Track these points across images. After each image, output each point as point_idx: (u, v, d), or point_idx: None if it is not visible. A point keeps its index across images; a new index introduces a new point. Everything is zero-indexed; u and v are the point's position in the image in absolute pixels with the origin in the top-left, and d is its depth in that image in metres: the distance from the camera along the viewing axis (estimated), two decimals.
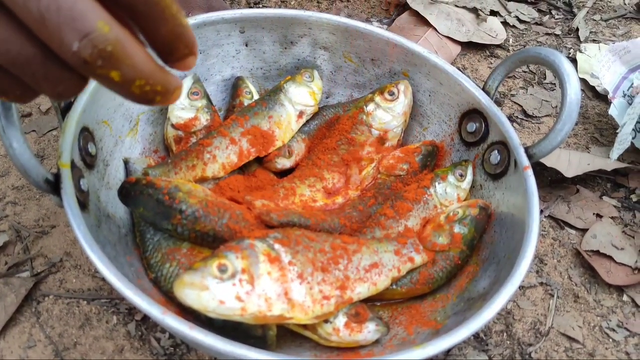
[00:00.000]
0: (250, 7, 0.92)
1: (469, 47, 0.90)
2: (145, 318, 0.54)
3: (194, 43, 0.32)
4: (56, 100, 0.32)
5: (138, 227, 0.54)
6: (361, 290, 0.50)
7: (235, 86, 0.68)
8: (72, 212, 0.43)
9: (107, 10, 0.28)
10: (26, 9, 0.26)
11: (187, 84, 0.63)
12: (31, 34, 0.28)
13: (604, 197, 0.70)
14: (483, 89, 0.61)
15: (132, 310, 0.54)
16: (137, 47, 0.29)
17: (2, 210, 0.60)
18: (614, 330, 0.58)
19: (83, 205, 0.47)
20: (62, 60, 0.28)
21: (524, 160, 0.55)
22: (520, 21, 0.97)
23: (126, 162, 0.58)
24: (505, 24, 0.95)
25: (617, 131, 0.69)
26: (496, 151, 0.59)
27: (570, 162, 0.70)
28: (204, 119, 0.62)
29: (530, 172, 0.54)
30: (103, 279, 0.55)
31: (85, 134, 0.51)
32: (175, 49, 0.31)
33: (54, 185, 0.44)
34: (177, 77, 0.31)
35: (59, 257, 0.57)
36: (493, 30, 0.92)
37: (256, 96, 0.67)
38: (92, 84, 0.51)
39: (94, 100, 0.53)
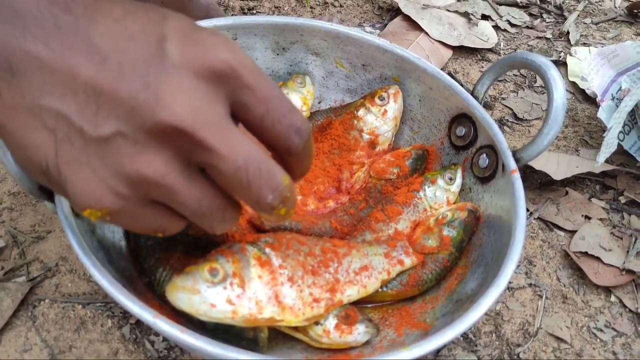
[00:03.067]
0: (244, 14, 0.93)
1: (461, 51, 0.91)
2: (140, 321, 0.55)
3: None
4: (216, 233, 0.39)
5: (132, 232, 0.55)
6: (351, 292, 0.51)
7: None
8: (66, 218, 0.44)
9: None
10: (236, 178, 0.33)
11: None
12: (218, 190, 0.36)
13: (592, 199, 0.71)
14: (472, 94, 0.62)
15: (126, 313, 0.55)
16: (294, 185, 0.37)
17: None
18: (601, 330, 0.59)
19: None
20: (233, 206, 0.37)
21: (512, 164, 0.56)
22: (512, 25, 0.98)
23: None
24: (496, 27, 0.96)
25: (604, 134, 0.70)
26: (485, 155, 0.60)
27: (559, 165, 0.72)
28: None
29: (517, 176, 0.55)
30: (98, 284, 0.56)
31: None
32: (306, 172, 0.40)
33: (48, 192, 0.45)
34: None
35: (54, 262, 0.58)
36: (484, 34, 0.93)
37: None
38: None
39: None
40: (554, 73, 0.54)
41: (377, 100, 0.65)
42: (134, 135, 0.32)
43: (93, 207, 0.33)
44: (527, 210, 0.69)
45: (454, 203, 0.61)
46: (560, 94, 0.54)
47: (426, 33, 0.90)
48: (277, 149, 0.37)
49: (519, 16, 1.00)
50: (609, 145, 0.68)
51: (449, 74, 0.86)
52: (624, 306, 0.61)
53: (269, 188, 0.34)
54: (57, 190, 0.35)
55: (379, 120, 0.65)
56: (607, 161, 0.73)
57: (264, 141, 0.37)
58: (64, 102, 0.32)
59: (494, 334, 0.58)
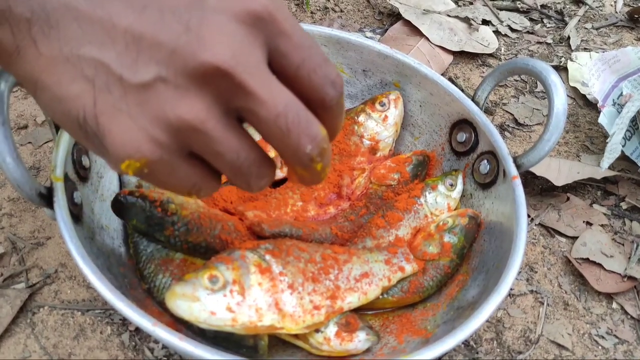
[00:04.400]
0: None
1: (462, 56, 0.91)
2: (139, 329, 0.54)
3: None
4: (252, 192, 0.38)
5: (132, 239, 0.55)
6: (352, 299, 0.50)
7: None
8: (65, 225, 0.44)
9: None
10: (276, 124, 0.32)
11: None
12: (255, 143, 0.35)
13: (594, 205, 0.71)
14: (472, 100, 0.62)
15: (125, 320, 0.55)
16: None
17: None
18: (603, 337, 0.59)
19: (76, 217, 0.48)
20: (268, 161, 0.36)
21: (513, 170, 0.56)
22: (512, 30, 0.98)
23: (120, 174, 0.59)
24: (497, 33, 0.96)
25: (607, 140, 0.70)
26: (485, 161, 0.60)
27: (560, 171, 0.71)
28: None
29: (518, 182, 0.55)
30: (97, 291, 0.55)
31: (79, 147, 0.52)
32: (338, 132, 0.39)
33: (47, 199, 0.45)
34: None
35: (54, 269, 0.58)
36: (485, 40, 0.93)
37: None
38: None
39: None
40: (554, 79, 0.54)
41: (377, 106, 0.65)
42: (175, 79, 0.31)
43: (132, 157, 0.32)
44: (528, 216, 0.68)
45: (455, 209, 0.61)
46: (561, 100, 0.54)
47: (427, 38, 0.90)
48: (312, 101, 0.35)
49: (520, 21, 1.00)
50: (612, 150, 0.68)
51: (450, 79, 0.86)
52: (626, 313, 0.61)
53: (308, 137, 0.33)
54: (95, 144, 0.34)
55: (380, 126, 0.65)
56: (608, 167, 0.72)
57: (299, 93, 0.35)
58: (103, 51, 0.31)
59: (495, 341, 0.57)
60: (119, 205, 0.52)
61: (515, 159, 0.56)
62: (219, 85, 0.32)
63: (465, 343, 0.57)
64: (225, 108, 0.33)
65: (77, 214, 0.48)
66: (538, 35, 0.98)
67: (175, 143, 0.33)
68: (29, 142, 0.70)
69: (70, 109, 0.32)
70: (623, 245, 0.67)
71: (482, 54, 0.92)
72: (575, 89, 0.88)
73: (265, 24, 0.33)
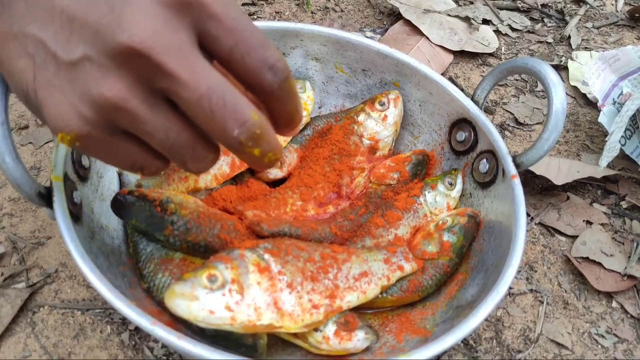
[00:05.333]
0: None
1: (462, 55, 0.91)
2: (139, 328, 0.54)
3: (302, 113, 0.39)
4: (195, 174, 0.38)
5: (131, 238, 0.55)
6: (351, 299, 0.50)
7: None
8: (65, 225, 0.44)
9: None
10: (199, 106, 0.32)
11: None
12: (188, 123, 0.34)
13: (594, 204, 0.71)
14: (472, 99, 0.62)
15: (125, 320, 0.55)
16: (271, 127, 0.35)
17: None
18: (602, 336, 0.59)
19: (76, 217, 0.48)
20: (207, 143, 0.36)
21: (512, 169, 0.56)
22: (513, 29, 0.98)
23: (120, 174, 0.59)
24: (497, 32, 0.96)
25: (605, 139, 0.70)
26: (485, 160, 0.60)
27: (560, 170, 0.71)
28: None
29: (517, 181, 0.55)
30: (97, 291, 0.56)
31: None
32: (293, 120, 0.38)
33: (46, 199, 0.45)
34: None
35: (54, 268, 0.58)
36: (485, 39, 0.93)
37: None
38: None
39: None
40: (553, 78, 0.54)
41: (377, 106, 0.65)
42: (98, 58, 0.32)
43: (63, 130, 0.34)
44: (528, 215, 0.68)
45: (454, 208, 0.61)
46: (560, 99, 0.54)
47: (427, 38, 0.90)
48: (252, 87, 0.35)
49: (520, 21, 1.00)
50: (611, 149, 0.68)
51: (450, 78, 0.86)
52: (626, 312, 0.61)
53: (235, 121, 0.33)
54: (37, 114, 0.36)
55: (379, 125, 0.65)
56: (608, 166, 0.72)
57: (237, 79, 0.35)
58: (42, 29, 0.34)
59: (494, 340, 0.57)
60: (118, 205, 0.52)
61: (514, 158, 0.56)
62: (139, 66, 0.32)
63: (465, 342, 0.57)
64: (148, 88, 0.33)
65: (76, 213, 0.48)
66: (539, 35, 0.98)
67: (102, 120, 0.34)
68: (30, 143, 0.70)
69: (19, 82, 0.35)
70: (623, 244, 0.66)
71: (483, 54, 0.92)
72: (575, 88, 0.87)
73: (192, 8, 0.33)
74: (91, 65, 0.33)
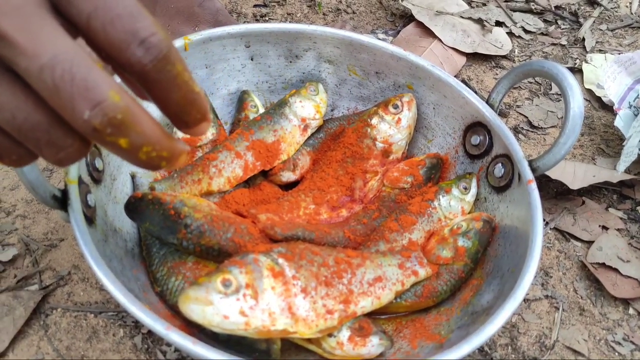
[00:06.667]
0: (257, 21, 0.93)
1: (475, 58, 0.90)
2: (152, 331, 0.54)
3: (206, 109, 0.33)
4: (56, 165, 0.32)
5: (144, 241, 0.55)
6: (365, 304, 0.50)
7: (241, 100, 0.69)
8: (79, 228, 0.44)
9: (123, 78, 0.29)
10: (40, 79, 0.27)
11: None
12: (39, 101, 0.28)
13: (610, 209, 0.70)
14: (487, 102, 0.61)
15: (138, 323, 0.55)
16: (146, 115, 0.29)
17: (12, 224, 0.61)
18: (619, 343, 0.58)
19: (90, 220, 0.48)
20: (67, 128, 0.29)
21: (528, 174, 0.55)
22: (526, 31, 0.97)
23: (133, 177, 0.59)
24: (510, 34, 0.95)
25: (623, 143, 0.69)
26: (500, 164, 0.59)
27: (575, 174, 0.70)
28: (209, 133, 0.63)
29: (534, 186, 0.54)
30: (111, 295, 0.55)
31: (93, 150, 0.52)
32: (187, 115, 0.32)
33: (61, 202, 0.45)
34: (183, 142, 0.32)
35: (67, 270, 0.58)
36: (498, 41, 0.92)
37: (262, 110, 0.68)
38: None
39: None
40: (571, 81, 0.54)
41: (390, 109, 0.65)
42: None
43: None
44: (543, 220, 0.67)
45: (469, 213, 0.60)
46: (578, 103, 0.53)
47: (440, 40, 0.90)
48: (120, 65, 0.29)
49: (534, 23, 0.99)
50: (629, 154, 0.67)
51: (463, 81, 0.86)
52: None
53: (85, 100, 0.27)
54: None
55: (393, 128, 0.64)
56: (624, 170, 0.71)
57: (103, 55, 0.30)
58: None
59: (509, 347, 0.57)
60: (132, 208, 0.52)
61: (530, 163, 0.56)
62: None
63: (480, 348, 0.56)
64: None
65: (90, 216, 0.48)
66: (552, 37, 0.97)
67: None
68: None
69: None
70: None
71: (496, 56, 0.91)
72: (590, 91, 0.87)
73: None
74: None
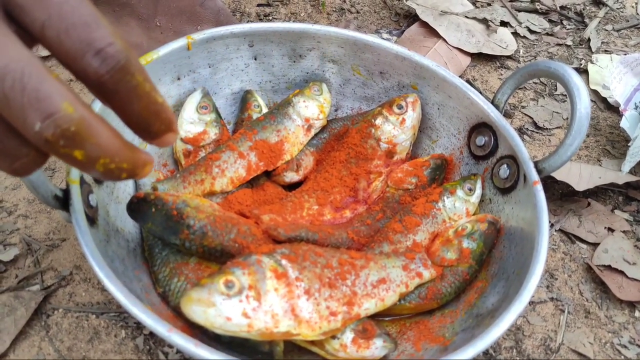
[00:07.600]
0: (261, 20, 0.93)
1: (479, 58, 0.90)
2: (154, 332, 0.54)
3: (170, 120, 0.32)
4: (13, 175, 0.31)
5: (147, 242, 0.54)
6: (369, 306, 0.50)
7: (244, 100, 0.68)
8: (81, 229, 0.43)
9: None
10: None
11: (196, 97, 0.63)
12: None
13: (615, 211, 0.70)
14: (492, 103, 0.61)
15: (140, 324, 0.54)
16: (103, 127, 0.29)
17: (14, 224, 0.61)
18: (625, 347, 0.57)
19: (92, 220, 0.47)
20: (22, 138, 0.28)
21: (534, 175, 0.54)
22: (531, 32, 0.97)
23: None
24: (515, 34, 0.95)
25: (628, 144, 0.68)
26: (505, 165, 0.59)
27: (581, 176, 0.70)
28: (212, 133, 0.62)
29: (539, 187, 0.53)
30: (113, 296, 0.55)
31: None
32: (150, 127, 0.31)
33: (62, 202, 0.45)
34: (147, 153, 0.31)
35: (68, 271, 0.58)
36: (503, 41, 0.92)
37: (265, 110, 0.67)
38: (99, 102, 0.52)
39: (103, 115, 0.53)
40: (577, 82, 0.53)
41: (395, 109, 0.64)
42: None
43: None
44: (549, 221, 0.67)
45: (474, 214, 0.60)
46: (584, 104, 0.53)
47: (444, 40, 0.89)
48: (76, 75, 0.29)
49: (539, 23, 0.99)
50: (634, 155, 0.67)
51: (468, 81, 0.85)
52: None
53: (36, 111, 0.26)
54: None
55: (397, 129, 0.64)
56: (630, 172, 0.71)
57: (62, 63, 0.28)
58: None
59: (514, 350, 0.56)
60: (134, 208, 0.52)
61: (536, 164, 0.55)
62: None
63: (484, 351, 0.56)
64: None
65: (92, 216, 0.48)
66: (557, 37, 0.97)
67: None
68: None
69: None
70: None
71: (501, 56, 0.90)
72: (595, 92, 0.86)
73: None
74: None
